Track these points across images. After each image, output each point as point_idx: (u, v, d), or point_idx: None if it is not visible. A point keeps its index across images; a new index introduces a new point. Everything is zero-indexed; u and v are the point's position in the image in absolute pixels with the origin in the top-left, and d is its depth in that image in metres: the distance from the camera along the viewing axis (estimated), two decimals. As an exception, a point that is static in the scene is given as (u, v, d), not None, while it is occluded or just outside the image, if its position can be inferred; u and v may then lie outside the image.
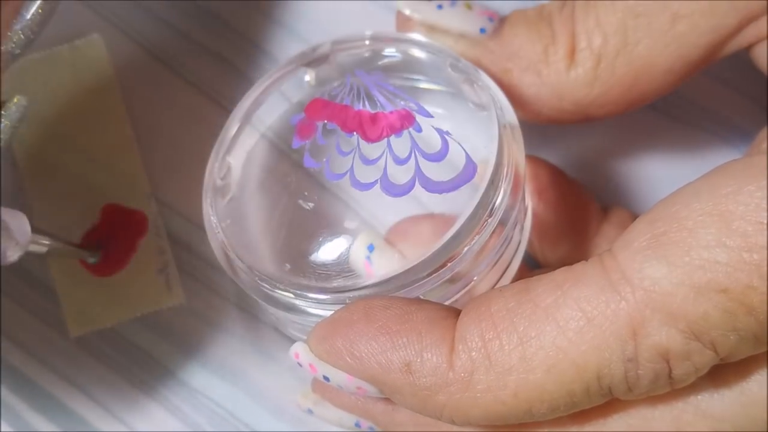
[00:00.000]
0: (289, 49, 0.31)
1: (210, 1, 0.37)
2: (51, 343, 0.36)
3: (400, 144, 0.27)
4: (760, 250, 0.22)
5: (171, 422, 0.35)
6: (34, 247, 0.31)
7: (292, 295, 0.27)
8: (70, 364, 0.36)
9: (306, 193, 0.28)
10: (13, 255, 0.29)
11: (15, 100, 0.28)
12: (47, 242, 0.32)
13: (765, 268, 0.22)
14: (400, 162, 0.27)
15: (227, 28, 0.37)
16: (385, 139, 0.27)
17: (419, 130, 0.27)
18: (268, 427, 0.35)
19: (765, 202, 0.22)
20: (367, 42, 0.30)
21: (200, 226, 0.35)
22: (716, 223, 0.23)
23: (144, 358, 0.36)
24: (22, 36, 0.27)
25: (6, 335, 0.36)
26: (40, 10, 0.28)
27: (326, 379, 0.26)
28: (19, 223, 0.29)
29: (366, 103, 0.28)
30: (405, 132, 0.27)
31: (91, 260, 0.35)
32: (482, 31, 0.30)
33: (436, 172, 0.27)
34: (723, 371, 0.25)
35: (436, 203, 0.27)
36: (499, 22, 0.30)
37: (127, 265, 0.36)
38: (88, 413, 0.36)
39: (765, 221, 0.22)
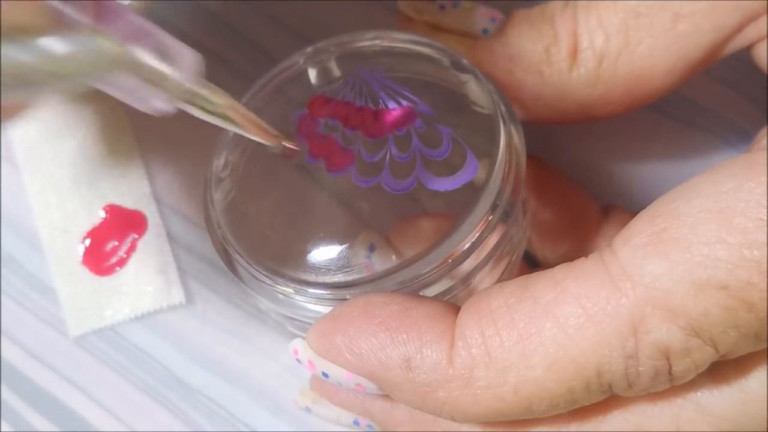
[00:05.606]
0: (289, 49, 0.31)
1: (210, 1, 0.37)
2: (51, 343, 0.36)
3: (402, 141, 0.27)
4: (761, 247, 0.22)
5: (171, 422, 0.35)
6: (199, 103, 0.22)
7: (291, 291, 0.27)
8: (70, 364, 0.36)
9: (307, 190, 0.28)
10: (164, 96, 0.20)
11: None
12: (223, 99, 0.23)
13: (765, 265, 0.22)
14: (402, 159, 0.27)
15: (227, 28, 0.37)
16: (387, 135, 0.27)
17: (421, 127, 0.27)
18: (268, 426, 0.35)
19: (765, 198, 0.22)
20: (368, 42, 0.30)
21: (200, 226, 0.35)
22: (717, 220, 0.23)
23: (144, 358, 0.36)
24: None
25: (6, 335, 0.36)
26: None
27: (325, 375, 0.26)
28: (188, 54, 0.21)
29: (368, 100, 0.28)
30: (407, 129, 0.27)
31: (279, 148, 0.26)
32: (485, 32, 0.30)
33: (437, 169, 0.27)
34: (723, 368, 0.25)
35: (437, 201, 0.27)
36: (502, 22, 0.30)
37: (127, 265, 0.36)
38: (88, 413, 0.36)
39: (765, 218, 0.22)
